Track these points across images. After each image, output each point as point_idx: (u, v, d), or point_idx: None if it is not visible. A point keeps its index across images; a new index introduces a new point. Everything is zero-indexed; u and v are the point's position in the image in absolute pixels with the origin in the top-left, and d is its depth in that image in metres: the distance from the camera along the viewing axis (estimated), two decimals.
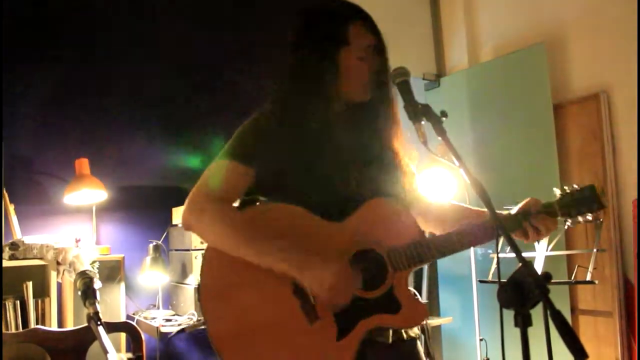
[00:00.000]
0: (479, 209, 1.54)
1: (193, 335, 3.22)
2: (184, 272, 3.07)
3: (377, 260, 1.40)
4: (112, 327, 1.94)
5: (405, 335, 1.48)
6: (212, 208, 1.40)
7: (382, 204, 1.44)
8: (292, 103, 1.48)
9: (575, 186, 1.47)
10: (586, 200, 1.44)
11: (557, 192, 1.48)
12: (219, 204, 1.40)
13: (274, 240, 1.36)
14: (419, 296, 1.55)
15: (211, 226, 1.40)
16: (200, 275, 1.41)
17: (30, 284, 2.62)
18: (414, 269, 1.41)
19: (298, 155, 1.44)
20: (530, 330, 1.02)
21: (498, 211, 1.47)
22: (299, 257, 1.34)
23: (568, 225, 1.50)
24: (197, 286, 1.44)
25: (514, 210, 1.47)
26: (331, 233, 1.41)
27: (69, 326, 2.71)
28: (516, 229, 1.45)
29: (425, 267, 3.22)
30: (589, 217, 1.46)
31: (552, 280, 1.07)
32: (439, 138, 1.28)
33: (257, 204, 1.49)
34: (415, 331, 1.52)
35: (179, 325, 2.80)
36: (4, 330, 2.51)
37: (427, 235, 1.48)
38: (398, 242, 1.40)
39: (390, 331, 1.45)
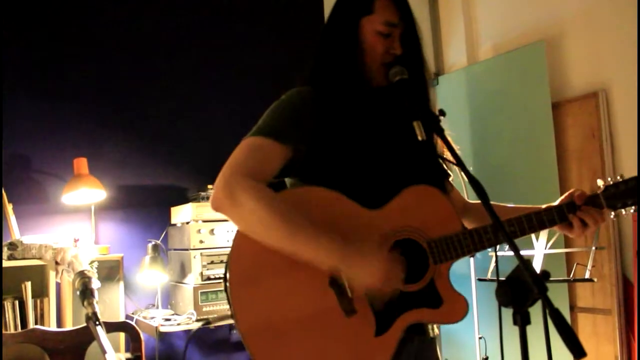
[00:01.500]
0: (525, 206, 1.48)
1: (194, 334, 3.22)
2: (183, 271, 3.06)
3: (418, 251, 1.33)
4: (111, 327, 1.94)
5: (432, 334, 1.44)
6: (250, 186, 1.28)
7: (423, 192, 1.36)
8: (323, 78, 1.44)
9: (619, 177, 1.40)
10: (631, 191, 1.37)
11: (601, 183, 1.41)
12: (255, 185, 1.29)
13: (311, 231, 1.26)
14: None
15: (245, 210, 1.27)
16: (228, 262, 1.32)
17: (29, 284, 2.61)
18: (455, 260, 1.34)
19: (335, 135, 1.37)
20: (529, 328, 1.02)
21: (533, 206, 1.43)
22: (337, 251, 1.25)
23: (612, 217, 1.43)
24: (224, 274, 1.35)
25: (557, 202, 1.41)
26: (370, 221, 1.33)
27: (68, 326, 2.70)
28: (562, 221, 1.38)
29: None
30: (632, 209, 1.39)
31: (551, 278, 1.07)
32: (438, 137, 1.28)
33: (289, 187, 1.44)
34: (436, 330, 1.49)
35: (178, 324, 2.80)
36: (2, 331, 2.50)
37: None
38: (439, 233, 1.33)
39: (430, 327, 1.41)
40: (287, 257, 1.28)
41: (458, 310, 1.33)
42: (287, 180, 1.46)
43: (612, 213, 1.41)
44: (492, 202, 1.54)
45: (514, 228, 1.35)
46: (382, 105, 1.48)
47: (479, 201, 1.43)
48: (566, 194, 1.42)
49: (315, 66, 1.47)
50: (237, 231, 1.34)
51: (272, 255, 1.29)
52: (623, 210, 1.40)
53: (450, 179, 1.57)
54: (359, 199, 1.34)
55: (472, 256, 1.39)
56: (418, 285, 1.32)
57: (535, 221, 1.36)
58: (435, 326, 1.45)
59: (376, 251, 1.27)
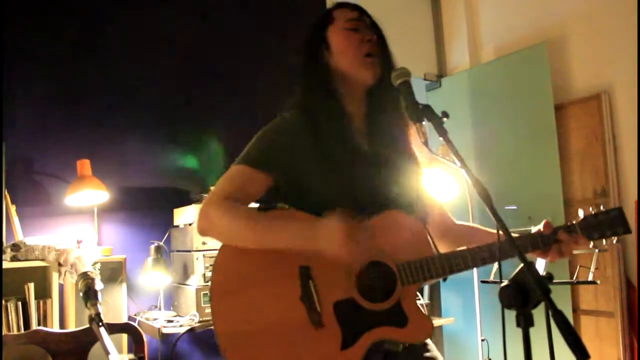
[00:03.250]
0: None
1: (196, 336, 3.23)
2: (186, 273, 3.07)
3: (387, 273, 1.39)
4: (113, 328, 1.93)
5: (399, 347, 1.46)
6: (220, 205, 1.41)
7: (396, 217, 1.42)
8: (306, 105, 1.51)
9: (602, 207, 1.41)
10: (611, 222, 1.37)
11: (582, 213, 1.41)
12: (227, 201, 1.42)
13: (277, 221, 1.39)
14: (424, 310, 1.53)
15: (219, 220, 1.40)
16: (212, 273, 1.44)
17: (32, 285, 2.62)
18: (423, 284, 1.40)
19: (314, 161, 1.44)
20: (532, 330, 1.02)
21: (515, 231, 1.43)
22: (304, 230, 1.35)
23: (591, 248, 1.43)
24: (209, 284, 1.45)
25: (534, 229, 1.42)
26: None
27: (71, 327, 2.71)
28: (547, 245, 1.38)
29: None
30: (615, 240, 1.41)
31: (554, 281, 1.07)
32: (440, 139, 1.28)
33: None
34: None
35: (181, 326, 2.80)
36: (5, 332, 2.51)
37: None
38: (409, 256, 1.38)
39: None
40: (265, 271, 1.39)
41: (421, 330, 1.38)
42: (280, 206, 1.53)
43: (591, 243, 1.40)
44: (476, 226, 1.64)
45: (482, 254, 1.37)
46: (367, 123, 1.54)
47: (466, 224, 1.59)
48: (541, 224, 1.41)
49: (299, 91, 1.55)
50: (219, 249, 1.45)
51: (250, 270, 1.40)
52: (604, 240, 1.39)
53: (431, 203, 1.60)
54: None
55: (444, 280, 1.42)
56: (385, 305, 1.38)
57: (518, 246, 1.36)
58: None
59: (339, 220, 1.32)
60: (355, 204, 1.41)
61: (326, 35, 1.52)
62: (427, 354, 1.51)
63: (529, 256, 1.42)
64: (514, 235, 1.41)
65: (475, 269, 3.33)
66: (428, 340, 1.52)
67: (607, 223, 1.37)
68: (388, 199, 1.44)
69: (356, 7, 1.56)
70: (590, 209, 1.40)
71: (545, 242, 1.38)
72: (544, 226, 1.40)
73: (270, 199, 1.50)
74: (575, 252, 3.15)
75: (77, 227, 3.12)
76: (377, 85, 1.51)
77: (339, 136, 1.46)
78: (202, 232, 1.45)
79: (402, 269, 1.38)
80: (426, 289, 3.60)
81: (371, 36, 1.50)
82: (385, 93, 1.50)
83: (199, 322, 2.83)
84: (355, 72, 1.49)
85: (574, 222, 1.40)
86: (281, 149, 1.45)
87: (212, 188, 1.51)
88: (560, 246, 1.37)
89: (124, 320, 2.90)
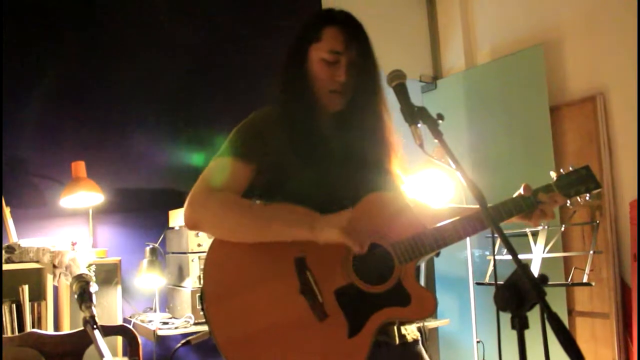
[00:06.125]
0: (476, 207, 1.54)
1: (192, 347, 3.21)
2: (181, 275, 3.06)
3: (383, 253, 1.39)
4: (108, 331, 1.93)
5: (409, 338, 1.48)
6: (215, 197, 1.39)
7: (381, 198, 1.43)
8: (283, 103, 1.52)
9: (571, 167, 1.54)
10: (582, 179, 1.52)
11: (553, 174, 1.54)
12: (218, 193, 1.40)
13: (277, 211, 1.37)
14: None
15: (217, 213, 1.38)
16: (203, 280, 1.39)
17: (26, 287, 2.61)
18: (420, 259, 1.40)
19: (294, 155, 1.44)
20: (527, 332, 1.02)
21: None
22: (306, 217, 1.34)
23: (569, 206, 1.56)
24: (199, 292, 1.39)
25: (515, 195, 1.51)
26: None
27: (65, 330, 2.70)
28: (530, 207, 1.48)
29: (422, 269, 3.23)
30: (587, 197, 1.54)
31: (549, 282, 1.07)
32: (436, 140, 1.28)
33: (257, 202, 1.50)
34: (416, 333, 1.52)
35: (176, 328, 2.80)
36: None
37: None
38: (401, 235, 1.39)
39: (396, 330, 1.45)
40: (258, 270, 1.36)
41: (426, 306, 1.38)
42: (255, 200, 1.51)
43: (568, 201, 1.54)
44: (455, 206, 1.72)
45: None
46: (343, 122, 1.55)
47: (448, 206, 1.63)
48: (517, 192, 1.51)
49: (278, 90, 1.55)
50: (208, 251, 1.40)
51: (243, 270, 1.37)
52: (578, 198, 1.53)
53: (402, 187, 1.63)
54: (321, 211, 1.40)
55: (437, 255, 1.45)
56: (386, 286, 1.37)
57: (503, 212, 1.48)
58: (399, 332, 1.47)
59: (341, 212, 1.34)
60: (332, 198, 1.41)
61: (309, 51, 1.50)
62: (419, 350, 1.51)
63: (515, 222, 1.54)
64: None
65: (471, 270, 3.35)
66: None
67: (579, 180, 1.53)
68: (366, 191, 1.44)
69: (348, 36, 1.48)
70: (561, 170, 1.55)
71: (527, 204, 1.48)
72: (524, 189, 1.50)
73: (246, 194, 1.48)
74: (571, 253, 3.15)
75: (72, 229, 3.11)
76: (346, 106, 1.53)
77: (315, 134, 1.48)
78: (194, 225, 1.42)
79: (396, 247, 1.38)
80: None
81: (342, 77, 1.46)
82: (355, 111, 1.52)
83: (194, 323, 2.83)
84: (322, 99, 1.50)
85: (550, 183, 1.53)
86: (263, 142, 1.45)
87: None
88: (542, 207, 1.48)
89: (119, 322, 2.89)
